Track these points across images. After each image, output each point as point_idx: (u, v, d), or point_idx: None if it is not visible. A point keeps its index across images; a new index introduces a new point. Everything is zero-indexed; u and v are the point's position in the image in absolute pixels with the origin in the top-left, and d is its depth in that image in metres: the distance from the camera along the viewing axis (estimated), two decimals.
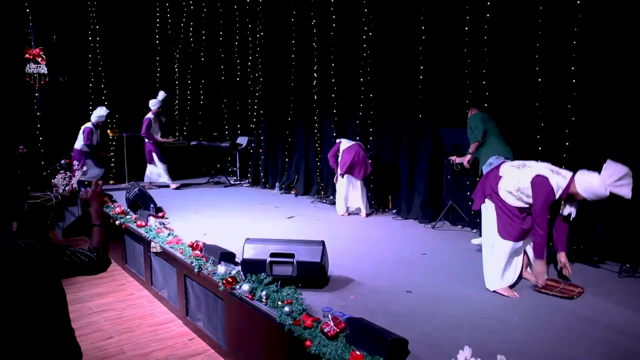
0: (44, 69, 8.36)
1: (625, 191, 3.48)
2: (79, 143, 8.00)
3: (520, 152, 5.22)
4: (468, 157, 5.40)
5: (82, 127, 8.04)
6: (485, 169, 4.96)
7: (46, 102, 8.55)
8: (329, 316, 3.07)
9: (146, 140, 8.50)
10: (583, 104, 4.79)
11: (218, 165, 9.75)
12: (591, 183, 3.58)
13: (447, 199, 6.01)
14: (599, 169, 4.70)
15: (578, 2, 4.68)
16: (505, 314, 3.44)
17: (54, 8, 8.50)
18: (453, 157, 5.67)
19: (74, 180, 7.53)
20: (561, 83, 4.91)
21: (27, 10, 8.25)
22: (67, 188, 7.45)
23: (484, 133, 5.19)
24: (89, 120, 8.11)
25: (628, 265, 4.29)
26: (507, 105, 5.39)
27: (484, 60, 5.51)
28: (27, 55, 8.22)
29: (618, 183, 3.50)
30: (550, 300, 3.69)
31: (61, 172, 8.05)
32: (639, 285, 4.03)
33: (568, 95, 4.87)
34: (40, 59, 8.29)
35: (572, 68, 4.81)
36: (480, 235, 5.23)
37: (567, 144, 4.92)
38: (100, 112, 8.13)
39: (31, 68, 8.25)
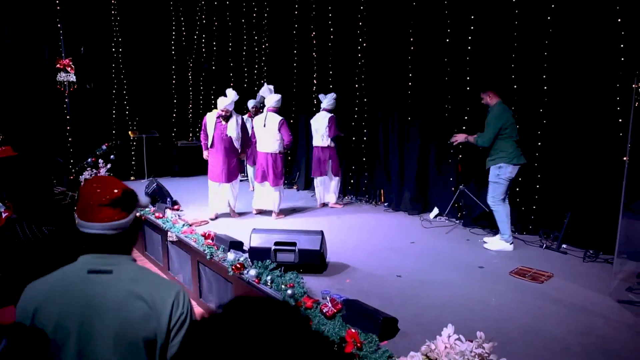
0: (73, 77, 8.34)
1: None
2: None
3: None
4: (468, 138, 4.79)
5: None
6: (494, 171, 4.52)
7: (75, 107, 8.54)
8: (327, 298, 3.09)
9: (282, 149, 6.05)
10: (553, 108, 4.81)
11: None
12: None
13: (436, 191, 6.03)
14: (567, 164, 4.74)
15: (549, 15, 4.69)
16: (484, 296, 3.46)
17: (82, 23, 8.49)
18: (456, 138, 4.91)
19: None
20: (534, 89, 4.92)
21: (59, 25, 8.24)
22: None
23: (496, 135, 4.51)
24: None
25: (591, 252, 4.32)
26: (485, 110, 5.38)
27: (464, 70, 5.51)
28: (58, 65, 8.21)
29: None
30: (523, 284, 3.71)
31: (88, 169, 8.05)
32: (600, 269, 4.06)
33: (540, 100, 4.88)
34: (69, 68, 8.28)
35: (544, 76, 4.81)
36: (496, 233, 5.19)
37: (539, 143, 4.93)
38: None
39: (61, 77, 8.24)
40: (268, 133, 5.85)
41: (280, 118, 5.85)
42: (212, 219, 5.77)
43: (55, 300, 1.38)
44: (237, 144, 5.77)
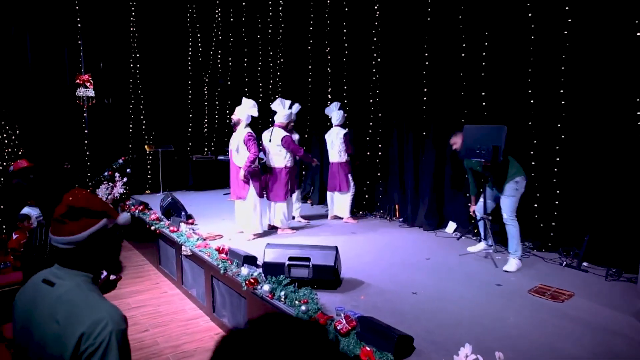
0: (91, 93, 8.56)
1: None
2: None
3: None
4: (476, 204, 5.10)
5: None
6: (511, 185, 4.52)
7: (93, 121, 8.73)
8: (342, 315, 3.06)
9: (290, 165, 5.96)
10: (571, 122, 4.76)
11: None
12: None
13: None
14: (587, 179, 4.66)
15: (566, 30, 4.67)
16: (501, 314, 3.40)
17: (102, 39, 8.73)
18: (473, 208, 5.15)
19: (116, 191, 7.64)
20: (551, 103, 4.88)
21: (79, 42, 8.49)
22: (109, 197, 7.56)
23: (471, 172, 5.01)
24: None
25: (614, 270, 4.22)
26: (502, 123, 5.35)
27: (480, 79, 5.50)
28: (77, 81, 8.43)
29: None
30: (542, 303, 3.63)
31: (104, 182, 8.17)
32: (623, 288, 3.96)
33: (558, 114, 4.83)
34: (88, 83, 8.50)
35: (562, 90, 4.78)
36: (482, 240, 5.16)
37: (557, 158, 4.87)
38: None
39: (81, 92, 8.46)
40: (273, 149, 5.88)
41: (285, 133, 5.86)
42: (241, 232, 5.78)
43: (20, 300, 1.49)
44: (237, 159, 5.60)
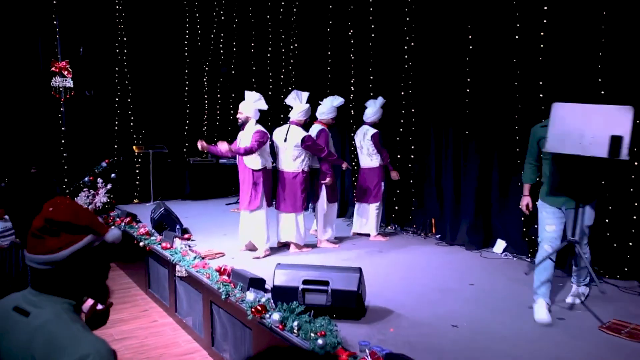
0: (69, 83, 8.67)
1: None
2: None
3: None
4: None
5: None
6: (593, 209, 4.11)
7: (71, 117, 8.84)
8: (367, 351, 3.04)
9: (307, 169, 6.07)
10: None
11: None
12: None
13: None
14: None
15: None
16: (565, 355, 3.32)
17: (82, 20, 8.84)
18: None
19: (98, 200, 7.72)
20: (629, 94, 4.75)
21: (55, 22, 8.61)
22: (90, 207, 7.65)
23: (536, 155, 4.24)
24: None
25: None
26: None
27: (537, 73, 5.42)
28: (53, 69, 8.55)
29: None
30: (617, 342, 3.53)
31: (84, 190, 8.27)
32: None
33: (637, 107, 4.72)
34: (66, 72, 8.62)
35: None
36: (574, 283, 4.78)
37: (635, 163, 4.76)
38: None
39: (57, 82, 8.58)
40: (288, 150, 5.89)
41: (305, 133, 5.90)
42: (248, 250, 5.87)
43: None
44: (248, 160, 5.72)
